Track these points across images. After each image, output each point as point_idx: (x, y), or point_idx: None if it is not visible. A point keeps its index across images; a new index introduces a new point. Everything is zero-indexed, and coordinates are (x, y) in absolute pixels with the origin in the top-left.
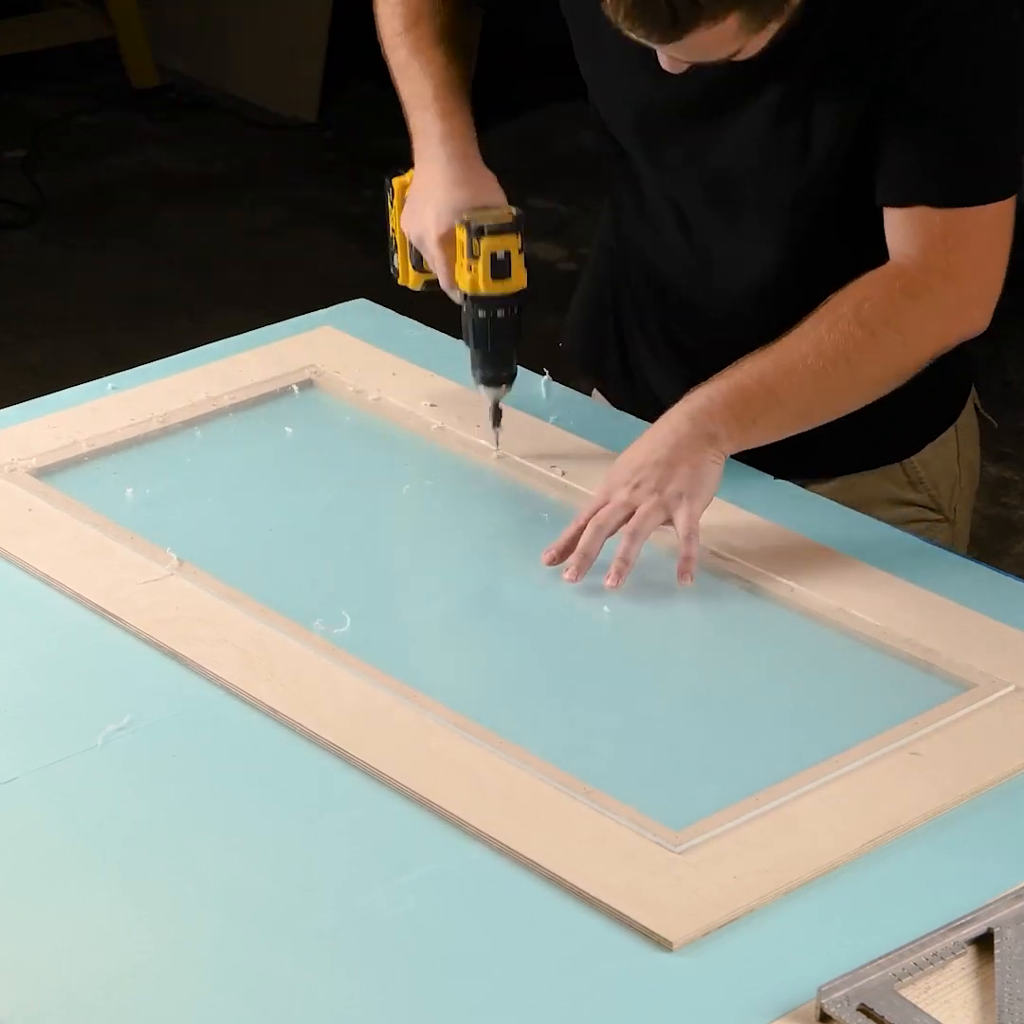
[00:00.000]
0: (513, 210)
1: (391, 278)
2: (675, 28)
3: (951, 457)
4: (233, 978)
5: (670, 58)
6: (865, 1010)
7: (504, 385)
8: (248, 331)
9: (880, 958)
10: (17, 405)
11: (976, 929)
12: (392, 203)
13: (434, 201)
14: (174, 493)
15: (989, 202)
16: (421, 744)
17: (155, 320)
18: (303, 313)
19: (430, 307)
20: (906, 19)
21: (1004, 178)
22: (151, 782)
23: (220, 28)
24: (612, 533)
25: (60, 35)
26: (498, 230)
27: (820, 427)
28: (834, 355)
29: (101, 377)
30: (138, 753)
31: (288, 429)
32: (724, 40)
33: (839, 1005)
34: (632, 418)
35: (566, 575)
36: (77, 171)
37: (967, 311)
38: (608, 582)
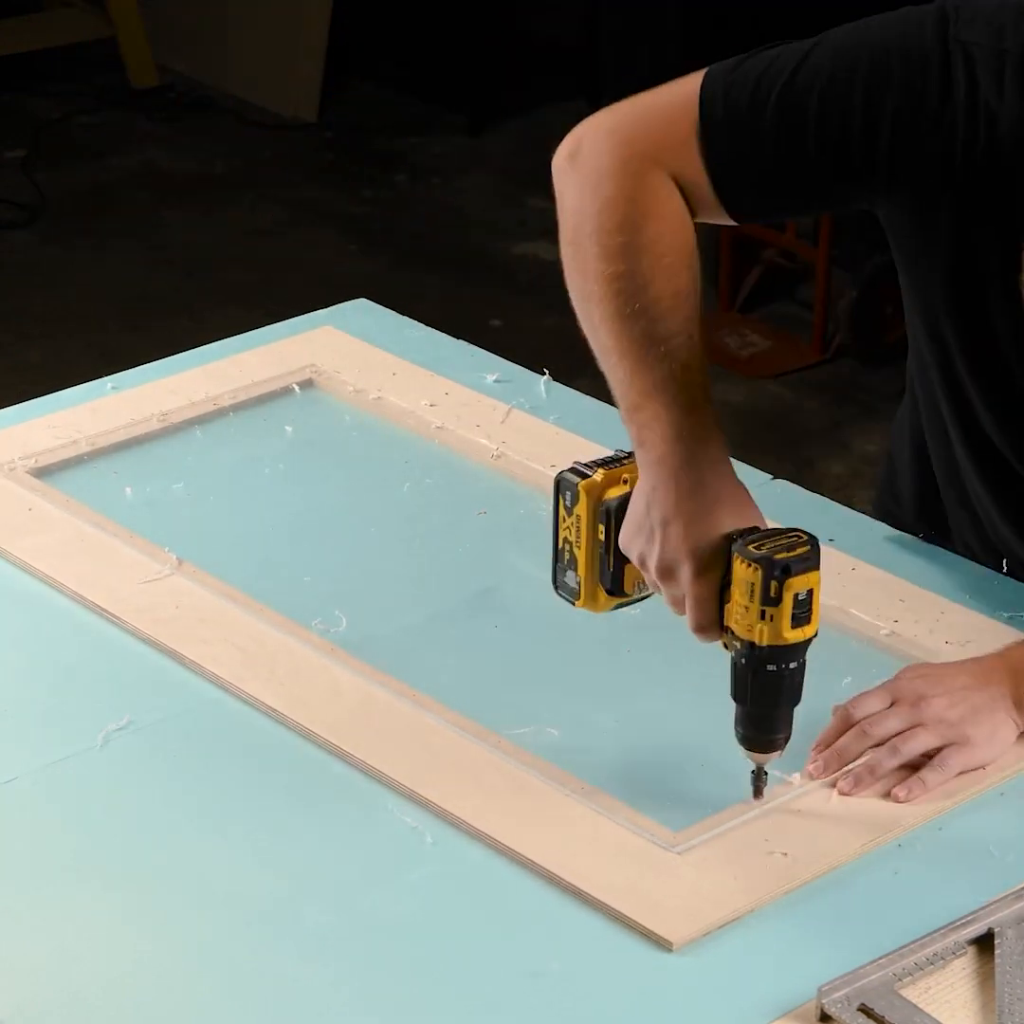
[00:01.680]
0: (804, 535)
1: (391, 278)
2: None
3: None
4: (233, 978)
5: None
6: (865, 1010)
7: (779, 751)
8: (248, 331)
9: (880, 958)
10: (17, 405)
11: (976, 929)
12: (570, 510)
13: (683, 525)
14: (174, 493)
15: None
16: (421, 744)
17: (155, 320)
18: (303, 313)
19: (430, 307)
20: None
21: None
22: (151, 782)
23: (220, 28)
24: (879, 744)
25: (60, 35)
26: (805, 568)
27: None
28: None
29: (101, 377)
30: (138, 753)
31: (288, 429)
32: None
33: (839, 1005)
34: None
35: (814, 773)
36: (77, 171)
37: None
38: (844, 788)
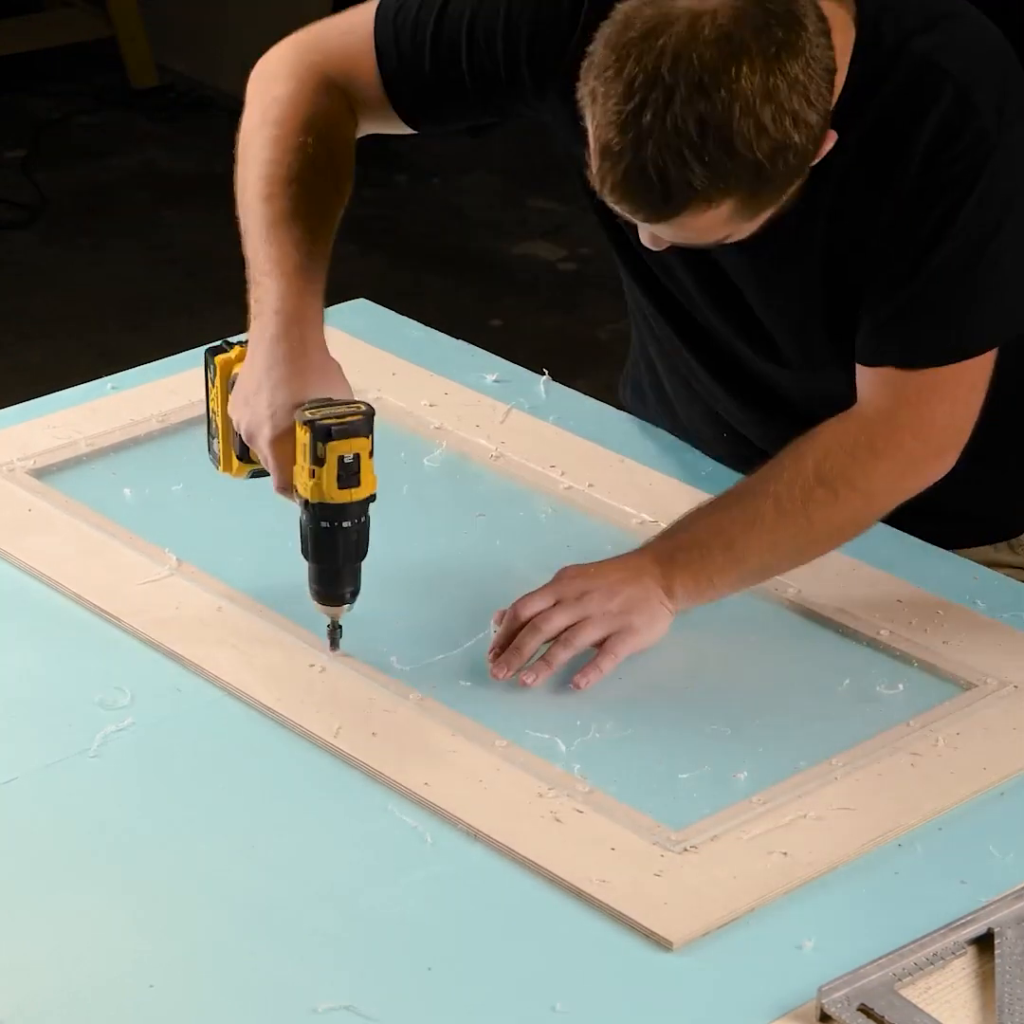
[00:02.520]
0: (363, 406)
1: (391, 278)
2: (666, 207)
3: None
4: (233, 978)
5: (652, 236)
6: (865, 1010)
7: (347, 604)
8: (248, 331)
9: (880, 958)
10: (17, 405)
11: (976, 929)
12: (213, 382)
13: (269, 391)
14: (174, 493)
15: (971, 357)
16: (421, 744)
17: (155, 320)
18: None
19: (430, 307)
20: (899, 186)
21: (992, 329)
22: (150, 782)
23: (220, 28)
24: (550, 638)
25: (60, 35)
26: (346, 432)
27: (918, 514)
28: (794, 512)
29: (101, 377)
30: (138, 753)
31: None
32: (715, 225)
33: (839, 1005)
34: (634, 419)
35: (496, 672)
36: (77, 171)
37: (934, 462)
38: (527, 679)
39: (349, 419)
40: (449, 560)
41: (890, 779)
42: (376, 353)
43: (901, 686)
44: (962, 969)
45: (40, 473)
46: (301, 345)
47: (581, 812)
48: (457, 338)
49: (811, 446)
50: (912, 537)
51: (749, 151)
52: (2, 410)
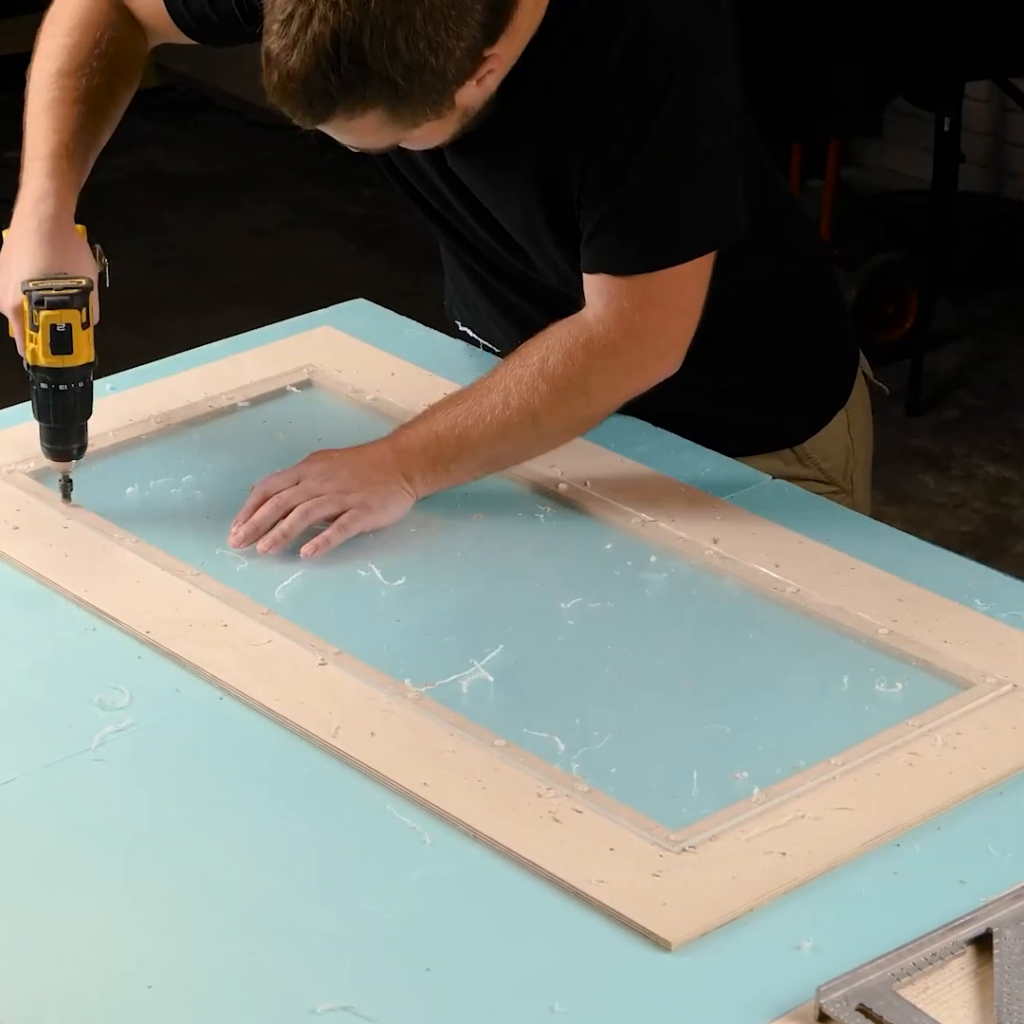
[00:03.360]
0: (83, 281)
1: (391, 278)
2: (312, 111)
3: (841, 430)
4: (233, 978)
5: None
6: (864, 1010)
7: (73, 460)
8: (248, 331)
9: (879, 958)
10: (17, 405)
11: (975, 929)
12: None
13: (15, 263)
14: (174, 493)
15: (678, 265)
16: (421, 744)
17: (155, 320)
18: (303, 313)
19: (430, 307)
20: (597, 93)
21: (696, 239)
22: (150, 782)
23: None
24: (286, 514)
25: None
26: (58, 303)
27: (701, 415)
28: (520, 407)
29: (101, 377)
30: (138, 753)
31: (287, 429)
32: (369, 132)
33: (838, 1005)
34: (633, 419)
35: (232, 541)
36: None
37: (653, 365)
38: (260, 546)
39: (65, 292)
40: (449, 560)
41: (889, 779)
42: (376, 353)
43: (900, 685)
44: (961, 969)
45: (40, 474)
46: (49, 221)
47: (580, 812)
48: (455, 338)
49: (538, 345)
50: (912, 537)
51: (383, 69)
52: (2, 410)
